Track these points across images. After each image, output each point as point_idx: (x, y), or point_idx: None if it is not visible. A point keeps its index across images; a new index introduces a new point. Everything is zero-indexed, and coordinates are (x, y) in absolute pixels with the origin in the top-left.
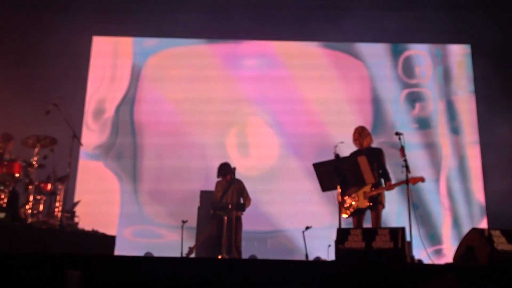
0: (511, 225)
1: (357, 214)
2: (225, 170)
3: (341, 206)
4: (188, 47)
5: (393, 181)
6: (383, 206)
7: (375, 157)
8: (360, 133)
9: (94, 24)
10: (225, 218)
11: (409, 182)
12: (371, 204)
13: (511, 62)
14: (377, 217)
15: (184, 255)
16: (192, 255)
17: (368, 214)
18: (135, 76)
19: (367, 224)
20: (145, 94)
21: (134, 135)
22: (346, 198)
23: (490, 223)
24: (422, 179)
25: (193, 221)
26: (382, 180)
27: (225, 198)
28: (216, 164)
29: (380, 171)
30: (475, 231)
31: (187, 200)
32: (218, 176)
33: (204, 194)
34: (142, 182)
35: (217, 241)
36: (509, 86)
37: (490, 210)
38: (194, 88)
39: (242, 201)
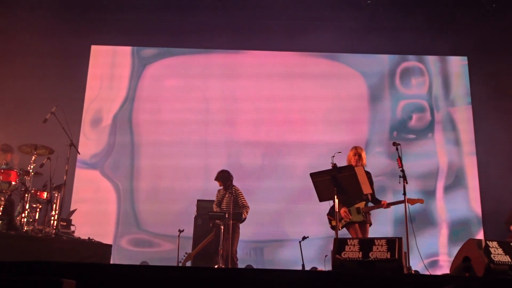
0: (506, 238)
1: (351, 225)
2: (222, 177)
3: (337, 216)
4: (186, 56)
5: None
6: (370, 224)
7: (370, 179)
8: (360, 154)
9: (93, 33)
10: (222, 227)
11: (407, 202)
12: (364, 219)
13: (507, 75)
14: (364, 234)
15: (180, 261)
16: (189, 263)
17: None
18: (133, 85)
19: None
20: (143, 103)
21: (132, 144)
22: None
23: (487, 234)
24: (421, 201)
25: (189, 231)
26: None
27: (222, 207)
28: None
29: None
30: (472, 242)
31: (184, 209)
32: (217, 181)
33: (201, 203)
34: (139, 191)
35: (214, 250)
36: (506, 98)
37: (487, 221)
38: (192, 97)
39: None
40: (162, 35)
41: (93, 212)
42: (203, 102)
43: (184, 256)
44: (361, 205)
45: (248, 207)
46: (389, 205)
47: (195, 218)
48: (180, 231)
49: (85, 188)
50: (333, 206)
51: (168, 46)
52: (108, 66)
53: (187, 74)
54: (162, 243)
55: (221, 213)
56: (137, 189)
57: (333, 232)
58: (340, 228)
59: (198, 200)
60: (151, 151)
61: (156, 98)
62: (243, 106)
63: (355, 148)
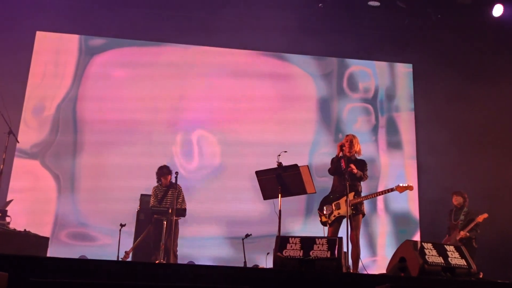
0: (442, 238)
1: (337, 222)
2: (163, 173)
3: (321, 214)
4: (134, 48)
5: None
6: (364, 215)
7: (361, 167)
8: (352, 141)
9: (39, 18)
10: (165, 222)
11: (397, 190)
12: (354, 212)
13: (449, 83)
14: (357, 225)
15: (120, 259)
16: (129, 259)
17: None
18: (79, 75)
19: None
20: (89, 93)
21: (75, 134)
22: (325, 207)
23: (423, 236)
24: (410, 188)
25: (131, 225)
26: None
27: (164, 202)
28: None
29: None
30: (408, 243)
31: (126, 203)
32: (160, 177)
33: (144, 198)
34: (81, 184)
35: (155, 245)
36: (446, 105)
37: (424, 224)
38: (139, 88)
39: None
40: (111, 25)
41: (32, 204)
42: (150, 96)
43: (124, 254)
44: (350, 196)
45: (185, 206)
46: (377, 194)
47: (138, 212)
48: (122, 226)
49: (24, 178)
50: (324, 201)
51: (117, 36)
52: (54, 53)
53: (135, 66)
54: (102, 238)
55: (164, 208)
56: (79, 181)
57: (276, 231)
58: (329, 224)
59: (141, 195)
60: (95, 142)
61: (102, 89)
62: (191, 104)
63: (346, 135)
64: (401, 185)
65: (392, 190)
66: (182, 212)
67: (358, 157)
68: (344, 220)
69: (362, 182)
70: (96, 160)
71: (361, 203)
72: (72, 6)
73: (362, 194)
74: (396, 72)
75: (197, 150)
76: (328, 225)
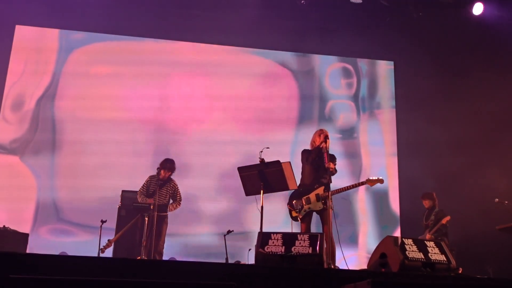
0: (422, 235)
1: (308, 217)
2: (166, 166)
3: (292, 210)
4: (115, 43)
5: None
6: (333, 210)
7: (333, 161)
8: (327, 136)
9: (18, 12)
10: (146, 219)
11: (367, 184)
12: (324, 206)
13: (430, 81)
14: (328, 219)
15: (101, 248)
16: (110, 251)
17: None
18: (59, 70)
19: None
20: (68, 89)
21: (54, 131)
22: (295, 201)
23: (404, 232)
24: (381, 181)
25: (112, 222)
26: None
27: (157, 196)
28: (141, 162)
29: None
30: (389, 239)
31: (107, 201)
32: (161, 169)
33: (125, 194)
34: (60, 179)
35: (138, 242)
36: (427, 103)
37: (404, 220)
38: (119, 84)
39: (171, 202)
40: (92, 19)
41: (11, 200)
42: (132, 93)
43: (106, 242)
44: (320, 190)
45: (181, 200)
46: (347, 187)
47: (119, 208)
48: (103, 222)
49: (3, 174)
50: (294, 195)
51: (97, 31)
52: (33, 48)
53: (117, 62)
54: (83, 234)
55: (146, 204)
56: (59, 178)
57: (258, 228)
58: (300, 219)
59: (122, 191)
60: (75, 140)
61: (82, 86)
62: (174, 102)
63: (321, 130)
64: (371, 178)
65: (362, 183)
66: (164, 208)
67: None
68: (315, 216)
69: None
70: (76, 158)
71: (331, 198)
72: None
73: (332, 189)
74: (377, 69)
75: (180, 148)
76: (299, 220)
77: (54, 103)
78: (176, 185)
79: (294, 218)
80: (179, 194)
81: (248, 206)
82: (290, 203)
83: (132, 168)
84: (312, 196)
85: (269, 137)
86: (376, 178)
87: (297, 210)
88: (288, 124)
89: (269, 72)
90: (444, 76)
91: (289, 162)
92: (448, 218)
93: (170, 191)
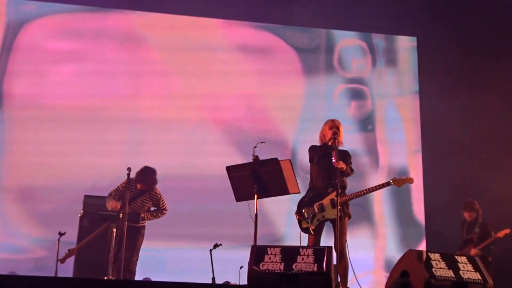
0: (452, 248)
1: (320, 227)
2: (147, 181)
3: (302, 220)
4: (73, 14)
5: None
6: (350, 217)
7: (346, 159)
8: (339, 128)
9: None
10: (114, 230)
11: (393, 185)
12: (341, 213)
13: (462, 60)
14: (343, 229)
15: (60, 259)
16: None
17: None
18: (7, 45)
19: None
20: (20, 68)
21: (1, 122)
22: (305, 209)
23: (430, 244)
24: (410, 180)
25: (73, 234)
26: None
27: (133, 205)
28: (110, 162)
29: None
30: (411, 254)
31: (66, 207)
32: (136, 182)
33: (88, 200)
34: (9, 185)
35: (104, 258)
36: (457, 88)
37: (430, 230)
38: (78, 61)
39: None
40: None
41: None
42: (94, 76)
43: (65, 253)
44: (334, 195)
45: (166, 210)
46: (370, 189)
47: (81, 218)
48: (61, 235)
49: None
50: (303, 202)
51: (53, 0)
52: None
53: (75, 38)
54: (36, 250)
55: (113, 213)
56: (6, 181)
57: (251, 241)
58: (312, 231)
59: (85, 196)
60: (26, 133)
61: (35, 67)
62: (146, 85)
63: (332, 121)
64: (397, 177)
65: (387, 184)
66: (136, 218)
67: (343, 148)
68: (327, 225)
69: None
70: (27, 155)
71: (347, 204)
72: None
73: (348, 192)
74: (397, 47)
75: (156, 144)
76: (311, 231)
77: (1, 86)
78: (159, 194)
79: (305, 230)
80: (163, 202)
81: (239, 215)
82: (299, 212)
83: (98, 168)
84: (326, 201)
85: (266, 129)
86: (404, 177)
87: (308, 220)
88: (289, 113)
89: (265, 48)
90: (479, 54)
91: (289, 159)
92: (507, 231)
93: (151, 201)
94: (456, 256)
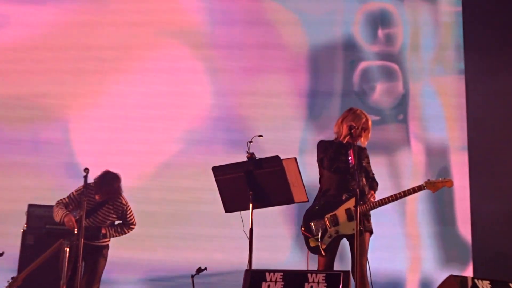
0: (506, 273)
1: (334, 245)
2: (108, 191)
3: (309, 236)
4: None
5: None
6: (371, 233)
7: (361, 157)
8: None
9: None
10: (67, 249)
11: (427, 189)
12: (361, 227)
13: None
14: (363, 248)
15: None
16: None
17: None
18: None
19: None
20: None
21: None
22: (314, 223)
23: (477, 269)
24: (448, 183)
25: (13, 255)
26: None
27: (94, 218)
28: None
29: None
30: (453, 280)
31: (5, 220)
32: (95, 194)
33: (34, 211)
34: None
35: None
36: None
37: (478, 247)
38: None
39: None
40: None
41: None
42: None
43: (8, 281)
44: (351, 203)
45: (135, 225)
46: (399, 195)
47: (24, 233)
48: None
49: None
50: (310, 213)
51: None
52: None
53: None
54: None
55: (62, 228)
56: None
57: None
58: (323, 250)
59: (29, 205)
60: None
61: None
62: (118, 66)
63: (353, 110)
64: (432, 180)
65: (419, 189)
66: (96, 234)
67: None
68: (343, 243)
69: None
70: None
71: (368, 216)
72: None
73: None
74: (437, 14)
75: (124, 140)
76: (322, 251)
77: None
78: (125, 204)
79: (314, 250)
80: (131, 215)
81: (228, 229)
82: (305, 226)
83: (45, 169)
84: (340, 212)
85: (266, 118)
86: (441, 179)
87: (317, 237)
88: (295, 99)
89: (267, 17)
90: None
91: (295, 158)
92: None
93: (115, 213)
94: (511, 284)
